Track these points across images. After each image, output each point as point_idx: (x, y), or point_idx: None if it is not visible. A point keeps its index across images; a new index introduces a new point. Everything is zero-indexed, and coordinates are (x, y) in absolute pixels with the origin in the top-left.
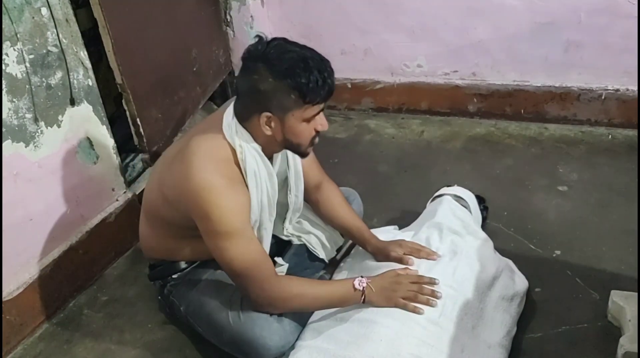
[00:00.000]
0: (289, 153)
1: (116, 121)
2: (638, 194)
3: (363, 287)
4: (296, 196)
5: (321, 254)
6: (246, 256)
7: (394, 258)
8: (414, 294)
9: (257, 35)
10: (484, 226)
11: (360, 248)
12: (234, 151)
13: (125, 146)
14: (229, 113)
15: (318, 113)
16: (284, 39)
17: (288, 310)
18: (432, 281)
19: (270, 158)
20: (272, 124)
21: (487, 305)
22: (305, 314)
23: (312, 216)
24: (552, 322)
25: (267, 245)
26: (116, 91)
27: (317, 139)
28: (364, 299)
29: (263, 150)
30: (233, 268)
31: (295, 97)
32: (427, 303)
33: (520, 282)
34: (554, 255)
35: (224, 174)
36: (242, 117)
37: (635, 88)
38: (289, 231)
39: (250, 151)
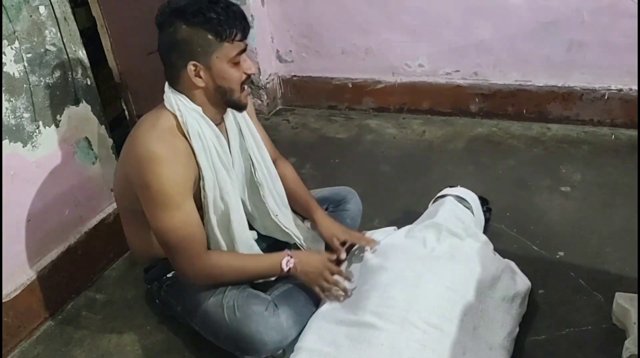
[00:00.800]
0: (241, 125)
1: (122, 121)
2: (638, 195)
3: (289, 268)
4: (267, 170)
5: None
6: (181, 230)
7: (333, 245)
8: (329, 287)
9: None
10: (487, 228)
11: (356, 253)
12: (178, 120)
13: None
14: (166, 85)
15: (241, 53)
16: None
17: (212, 283)
18: (347, 277)
19: (221, 128)
20: (201, 74)
21: (487, 306)
22: (303, 309)
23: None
24: (556, 324)
25: (237, 214)
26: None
27: (247, 86)
28: (288, 274)
29: (206, 113)
30: (166, 240)
31: (212, 37)
32: (336, 286)
33: (522, 282)
34: (557, 256)
35: (168, 143)
36: (174, 79)
37: None
38: (277, 215)
39: (190, 113)
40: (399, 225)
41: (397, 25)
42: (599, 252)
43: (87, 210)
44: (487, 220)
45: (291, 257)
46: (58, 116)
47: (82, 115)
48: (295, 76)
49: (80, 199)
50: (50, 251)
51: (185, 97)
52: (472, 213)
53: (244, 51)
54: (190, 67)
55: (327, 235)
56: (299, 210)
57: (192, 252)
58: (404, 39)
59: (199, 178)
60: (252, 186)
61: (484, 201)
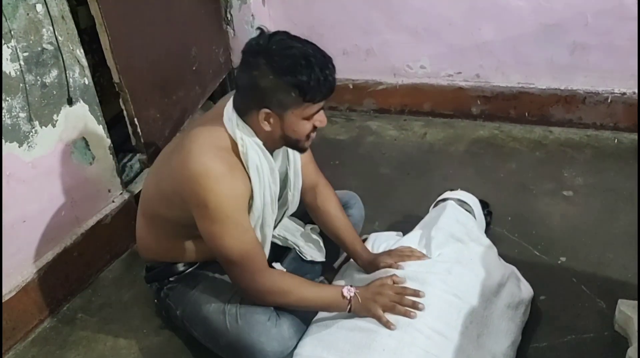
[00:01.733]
0: (290, 150)
1: (121, 120)
2: (638, 202)
3: (351, 296)
4: (293, 195)
5: (308, 255)
6: (242, 246)
7: (383, 268)
8: (393, 305)
9: (259, 28)
10: (487, 232)
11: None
12: (234, 143)
13: (123, 145)
14: (229, 107)
15: (318, 111)
16: (286, 34)
17: (273, 304)
18: (416, 293)
19: (272, 153)
20: (271, 121)
21: (492, 313)
22: (304, 319)
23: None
24: (557, 331)
25: (267, 246)
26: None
27: (314, 134)
28: (349, 308)
29: (264, 145)
30: (227, 256)
31: (295, 95)
32: (405, 315)
33: (526, 290)
34: (559, 262)
35: (224, 160)
36: (242, 111)
37: None
38: (276, 231)
39: (252, 146)
40: (400, 227)
41: (398, 26)
42: (601, 258)
43: (83, 211)
44: (487, 224)
45: (352, 286)
46: (55, 115)
47: (79, 115)
48: None
49: (77, 200)
50: (45, 252)
51: (250, 129)
52: (474, 216)
53: (322, 108)
54: (262, 114)
55: (372, 269)
56: (335, 241)
57: (255, 268)
58: (406, 40)
59: (250, 200)
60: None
61: (484, 205)
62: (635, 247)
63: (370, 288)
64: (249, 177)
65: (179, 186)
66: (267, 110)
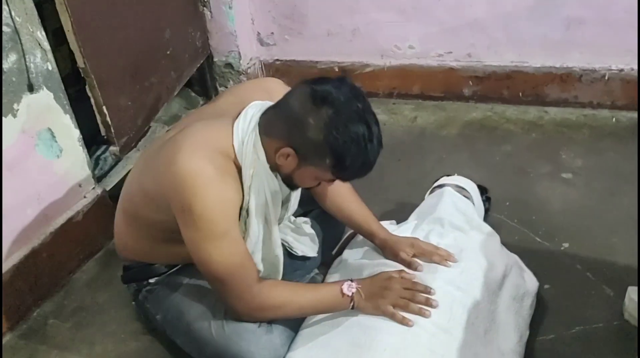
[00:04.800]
0: None
1: (72, 104)
2: (638, 184)
3: (352, 293)
4: (295, 200)
5: (299, 251)
6: (228, 260)
7: (402, 260)
8: (405, 302)
9: (344, 71)
10: (486, 218)
11: (356, 244)
12: (234, 149)
13: (95, 138)
14: (251, 112)
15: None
16: (366, 101)
17: (267, 319)
18: (427, 290)
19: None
20: (287, 159)
21: (498, 307)
22: (298, 325)
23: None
24: (564, 322)
25: (281, 266)
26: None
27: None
28: (352, 305)
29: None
30: (212, 271)
31: (328, 163)
32: (419, 313)
33: (530, 281)
34: (562, 248)
35: (217, 163)
36: (266, 130)
37: None
38: None
39: (260, 167)
40: (393, 216)
41: (386, 5)
42: (606, 243)
43: (52, 208)
44: (486, 210)
45: (352, 281)
46: (15, 104)
47: (42, 103)
48: (278, 60)
49: (44, 197)
50: (11, 254)
51: (262, 151)
52: (473, 202)
53: None
54: (285, 151)
55: (389, 253)
56: (349, 224)
57: (241, 285)
58: (394, 19)
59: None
60: None
61: (482, 190)
62: None
63: (375, 282)
64: (242, 187)
65: (164, 186)
66: (291, 151)
